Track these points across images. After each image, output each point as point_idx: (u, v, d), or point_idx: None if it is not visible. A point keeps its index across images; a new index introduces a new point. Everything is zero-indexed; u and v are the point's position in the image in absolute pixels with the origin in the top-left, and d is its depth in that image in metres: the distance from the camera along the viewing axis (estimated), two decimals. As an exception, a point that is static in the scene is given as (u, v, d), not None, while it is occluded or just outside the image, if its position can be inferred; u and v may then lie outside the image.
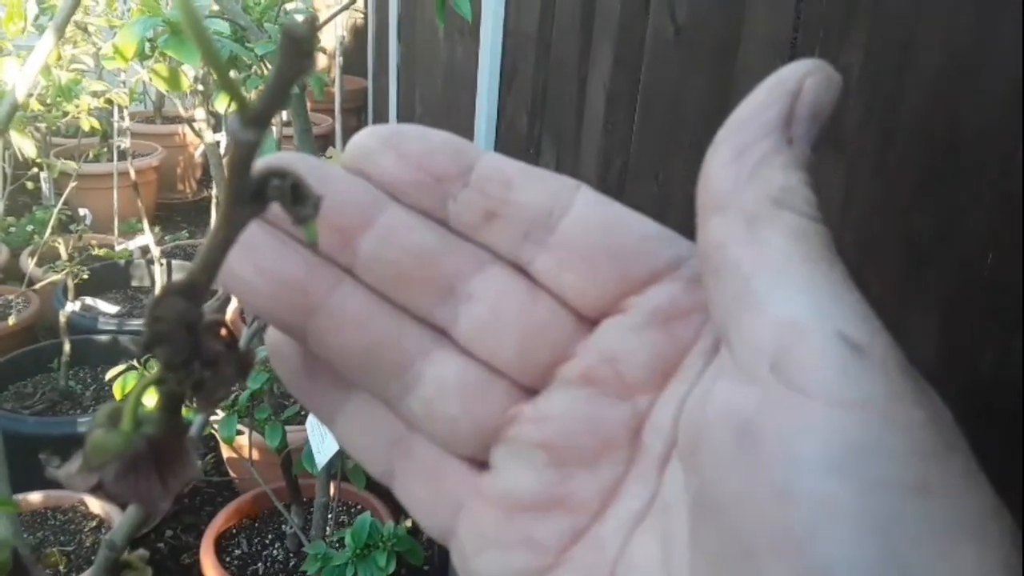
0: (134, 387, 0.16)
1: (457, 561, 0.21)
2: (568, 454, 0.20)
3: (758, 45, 0.60)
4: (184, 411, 0.17)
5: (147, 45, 0.73)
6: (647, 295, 0.20)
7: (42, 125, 1.47)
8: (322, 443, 1.00)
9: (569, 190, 0.21)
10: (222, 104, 0.93)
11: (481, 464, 0.21)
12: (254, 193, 0.13)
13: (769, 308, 0.16)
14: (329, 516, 1.19)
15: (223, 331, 0.15)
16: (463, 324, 0.21)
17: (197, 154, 2.77)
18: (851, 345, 0.15)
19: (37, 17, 1.02)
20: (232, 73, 0.94)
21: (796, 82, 0.18)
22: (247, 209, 0.13)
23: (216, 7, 0.81)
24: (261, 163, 0.13)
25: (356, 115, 2.68)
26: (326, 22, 1.02)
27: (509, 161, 0.21)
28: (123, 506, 1.32)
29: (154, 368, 0.15)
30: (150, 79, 0.76)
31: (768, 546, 0.15)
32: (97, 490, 0.15)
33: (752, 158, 0.18)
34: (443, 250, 0.21)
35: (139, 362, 1.15)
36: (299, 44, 0.11)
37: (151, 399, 0.16)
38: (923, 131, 0.43)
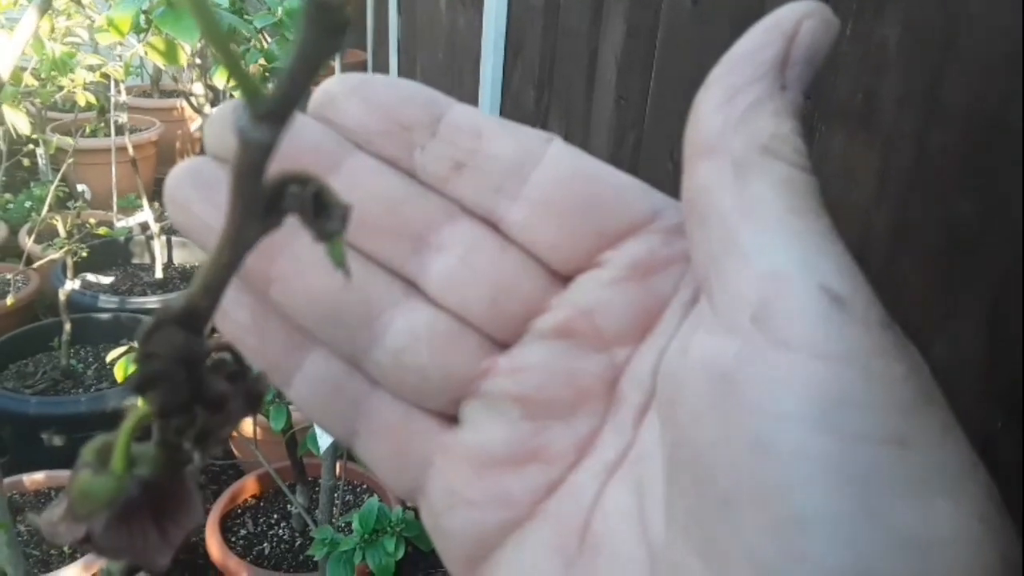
0: (129, 419, 0.14)
1: (427, 519, 0.21)
2: (543, 406, 0.20)
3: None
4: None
5: (142, 18, 0.70)
6: (623, 249, 0.19)
7: (37, 100, 1.44)
8: (327, 426, 0.98)
9: (541, 142, 0.20)
10: (221, 78, 0.90)
11: (450, 419, 0.21)
12: (268, 204, 0.10)
13: (753, 259, 0.16)
14: (336, 496, 1.18)
15: (228, 359, 0.13)
16: (433, 275, 0.20)
17: (195, 128, 2.73)
18: (833, 298, 0.15)
19: (29, -12, 0.98)
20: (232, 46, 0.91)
21: (793, 24, 0.17)
22: (259, 224, 0.11)
23: (214, -23, 0.78)
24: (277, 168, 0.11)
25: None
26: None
27: (479, 112, 0.21)
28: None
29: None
30: (146, 53, 0.73)
31: (745, 497, 0.15)
32: (85, 543, 0.13)
33: (743, 102, 0.17)
34: (411, 199, 0.21)
35: (140, 343, 1.13)
36: (329, 16, 0.08)
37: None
38: (967, 110, 0.40)
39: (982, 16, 0.39)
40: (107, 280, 1.81)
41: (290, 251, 0.20)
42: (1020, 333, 0.37)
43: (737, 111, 0.17)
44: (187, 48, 0.84)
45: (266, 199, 0.11)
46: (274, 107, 0.09)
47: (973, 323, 0.40)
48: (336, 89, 0.21)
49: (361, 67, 2.56)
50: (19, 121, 0.87)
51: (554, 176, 0.20)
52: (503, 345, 0.20)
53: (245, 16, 0.72)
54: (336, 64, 2.12)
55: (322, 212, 0.11)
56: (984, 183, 0.39)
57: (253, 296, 0.21)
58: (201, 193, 0.20)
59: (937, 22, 0.42)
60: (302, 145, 0.20)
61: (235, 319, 0.21)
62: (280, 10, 0.70)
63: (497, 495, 0.19)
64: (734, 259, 0.16)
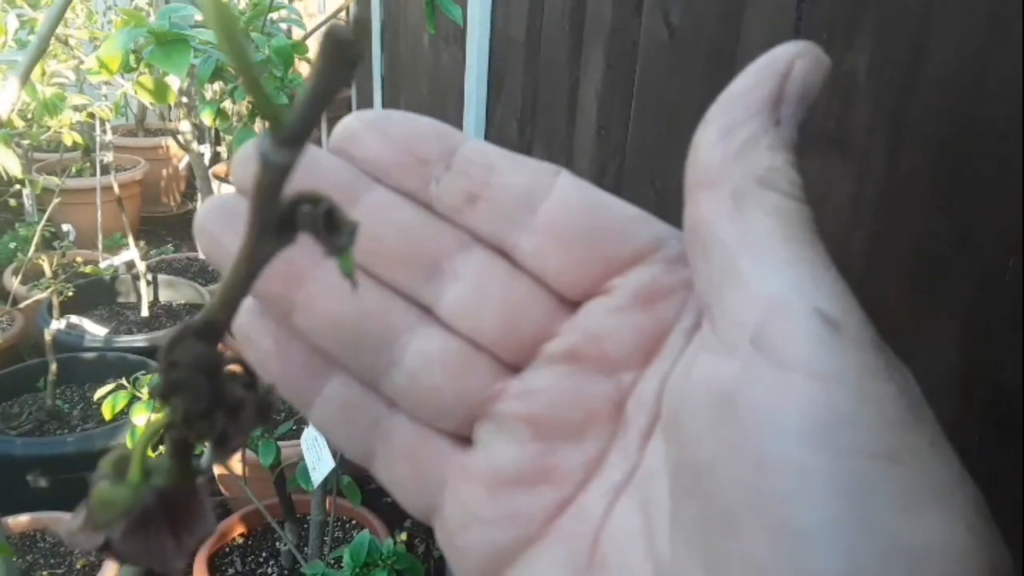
0: (141, 433, 0.14)
1: (442, 538, 0.21)
2: (553, 428, 0.20)
3: (757, 48, 0.59)
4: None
5: (131, 57, 0.71)
6: (629, 276, 0.20)
7: (25, 142, 1.45)
8: (318, 460, 0.98)
9: (550, 174, 0.21)
10: (207, 117, 0.92)
11: (464, 440, 0.22)
12: (283, 222, 0.11)
13: (752, 284, 0.17)
14: (325, 531, 1.17)
15: (240, 371, 0.14)
16: (447, 301, 0.21)
17: (181, 166, 2.74)
18: (827, 321, 0.16)
19: (16, 31, 1.00)
20: (219, 85, 0.93)
21: (786, 63, 0.18)
22: (274, 240, 0.12)
23: (201, 16, 0.80)
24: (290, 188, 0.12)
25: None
26: (312, 32, 1.00)
27: (492, 147, 0.22)
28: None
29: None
30: (135, 91, 0.74)
31: (746, 510, 0.15)
32: (104, 550, 0.14)
33: (740, 137, 0.18)
34: (427, 230, 0.22)
35: (128, 381, 1.12)
36: (344, 49, 0.09)
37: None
38: (936, 133, 0.42)
39: (945, 46, 0.41)
40: (101, 331, 1.79)
41: (312, 278, 0.21)
42: (992, 352, 0.38)
43: (734, 146, 0.18)
44: (175, 85, 0.85)
45: (281, 217, 0.11)
46: (293, 132, 0.10)
47: (948, 340, 0.41)
48: (356, 125, 0.22)
49: (345, 102, 2.58)
50: (10, 162, 0.88)
51: (563, 207, 0.21)
52: (515, 369, 0.21)
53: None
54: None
55: (333, 229, 0.12)
56: (953, 204, 0.41)
57: (276, 324, 0.22)
58: (230, 225, 0.21)
59: (903, 52, 0.44)
60: (323, 180, 0.21)
61: (260, 346, 0.22)
62: (268, 48, 0.72)
63: (509, 514, 0.20)
64: (734, 285, 0.17)
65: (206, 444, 0.13)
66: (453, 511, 0.21)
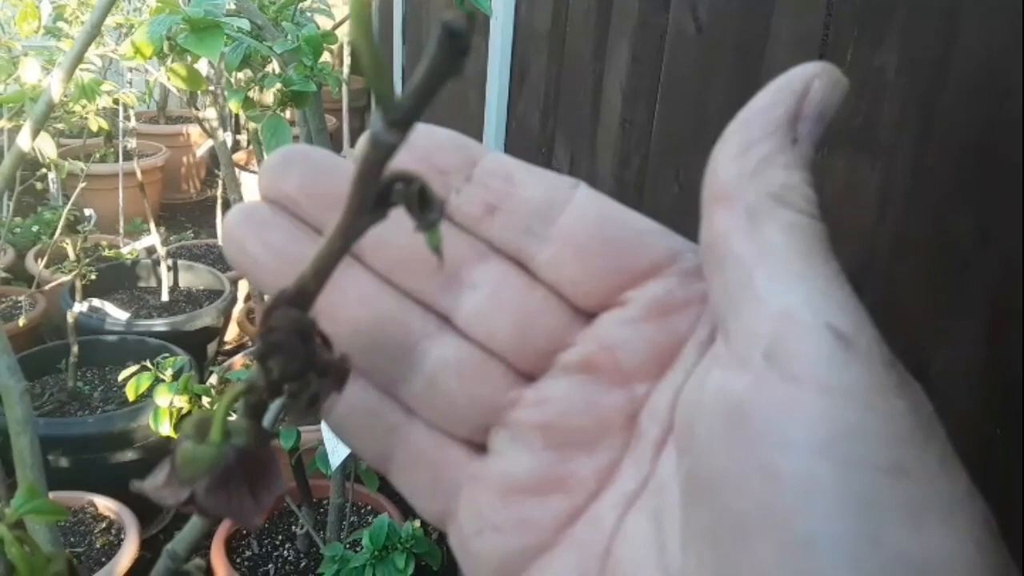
0: (226, 396, 0.15)
1: (455, 544, 0.22)
2: (567, 437, 0.21)
3: (786, 44, 0.60)
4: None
5: (165, 44, 0.72)
6: (644, 289, 0.21)
7: (58, 125, 1.46)
8: (337, 443, 0.99)
9: (568, 187, 0.22)
10: (235, 104, 0.93)
11: (479, 447, 0.22)
12: (379, 199, 0.12)
13: (766, 299, 0.17)
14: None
15: (321, 341, 0.14)
16: (464, 309, 0.22)
17: (199, 153, 2.77)
18: (839, 336, 0.16)
19: (49, 15, 1.01)
20: (246, 73, 0.94)
21: (804, 83, 0.19)
22: (369, 215, 0.12)
23: (233, 5, 0.81)
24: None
25: (360, 115, 2.67)
26: (341, 22, 1.01)
27: (511, 159, 0.22)
28: (134, 508, 1.31)
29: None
30: (168, 78, 0.75)
31: (755, 520, 0.16)
32: (187, 505, 0.15)
33: (757, 155, 0.18)
34: (446, 239, 0.22)
35: (151, 363, 1.14)
36: (457, 40, 0.10)
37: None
38: (961, 130, 0.42)
39: (974, 43, 0.42)
40: (123, 314, 1.82)
41: (333, 286, 0.22)
42: (1015, 345, 0.39)
43: (751, 163, 0.18)
44: (205, 69, 0.87)
45: (378, 193, 0.12)
46: (404, 114, 0.11)
47: (971, 334, 0.41)
48: None
49: (366, 93, 2.59)
50: (46, 146, 0.90)
51: (580, 219, 0.21)
52: (530, 377, 0.22)
53: (264, 42, 0.75)
54: (344, 89, 2.15)
55: (424, 206, 0.13)
56: (978, 201, 0.41)
57: None
58: (255, 233, 0.22)
59: (932, 50, 0.44)
60: (345, 187, 0.22)
61: None
62: (299, 37, 0.73)
63: (523, 521, 0.20)
64: (749, 299, 0.17)
65: (300, 410, 0.14)
66: (467, 517, 0.21)
